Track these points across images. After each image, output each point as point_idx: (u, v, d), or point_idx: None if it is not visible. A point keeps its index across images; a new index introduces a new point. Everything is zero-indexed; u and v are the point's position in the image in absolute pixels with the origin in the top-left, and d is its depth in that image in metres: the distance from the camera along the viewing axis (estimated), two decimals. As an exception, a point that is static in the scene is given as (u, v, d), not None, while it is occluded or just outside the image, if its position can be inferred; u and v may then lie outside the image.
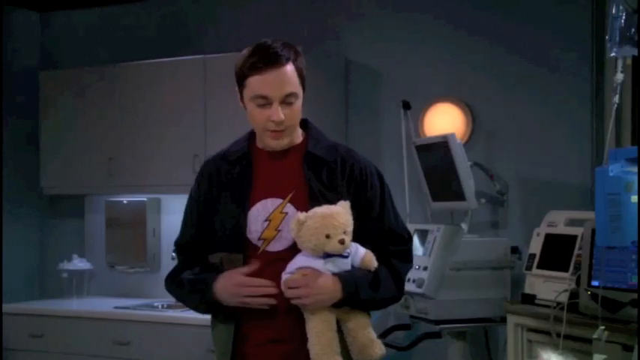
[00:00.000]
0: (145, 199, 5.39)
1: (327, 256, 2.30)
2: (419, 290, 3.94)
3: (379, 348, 2.33)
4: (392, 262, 2.41)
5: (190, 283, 2.44)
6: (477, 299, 4.09)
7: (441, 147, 4.09)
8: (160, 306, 5.15)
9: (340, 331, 2.33)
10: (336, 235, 2.27)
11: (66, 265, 5.45)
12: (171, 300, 5.22)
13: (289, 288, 2.29)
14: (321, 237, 2.27)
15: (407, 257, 2.48)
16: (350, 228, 2.31)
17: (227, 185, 2.42)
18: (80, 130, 5.36)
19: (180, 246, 2.55)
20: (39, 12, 5.84)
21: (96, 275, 5.60)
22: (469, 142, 4.61)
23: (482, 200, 4.25)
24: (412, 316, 4.23)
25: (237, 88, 2.40)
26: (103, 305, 5.15)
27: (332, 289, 2.29)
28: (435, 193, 4.31)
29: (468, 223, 4.23)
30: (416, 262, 3.66)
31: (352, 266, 2.34)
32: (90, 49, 5.73)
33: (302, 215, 2.28)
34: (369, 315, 2.39)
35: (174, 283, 2.51)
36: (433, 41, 4.79)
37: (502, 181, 4.34)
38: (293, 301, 2.29)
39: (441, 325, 4.07)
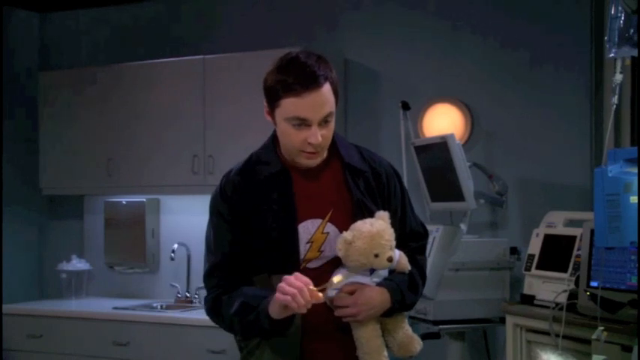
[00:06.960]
0: (144, 199, 5.39)
1: (373, 270, 2.30)
2: (418, 291, 3.93)
3: (418, 343, 2.36)
4: (416, 259, 2.43)
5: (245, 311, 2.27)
6: (476, 300, 4.09)
7: (440, 147, 4.08)
8: (159, 306, 5.15)
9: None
10: (384, 253, 2.26)
11: (65, 266, 5.45)
12: (171, 300, 5.25)
13: (338, 306, 2.27)
14: (370, 257, 2.25)
15: (425, 251, 2.51)
16: (394, 242, 2.30)
17: (268, 205, 2.29)
18: (79, 130, 5.37)
19: (213, 269, 2.35)
20: (39, 12, 5.84)
21: (95, 276, 5.59)
22: (468, 143, 4.61)
23: (481, 201, 4.24)
24: (411, 317, 4.23)
25: (265, 102, 2.30)
26: (102, 306, 5.14)
27: (381, 300, 2.29)
28: (434, 194, 4.31)
29: (467, 224, 4.23)
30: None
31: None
32: (90, 49, 5.74)
33: (349, 235, 2.25)
34: (404, 313, 2.41)
35: (221, 314, 2.33)
36: (432, 41, 4.79)
37: (501, 181, 4.33)
38: (344, 319, 2.27)
39: (440, 326, 4.07)
